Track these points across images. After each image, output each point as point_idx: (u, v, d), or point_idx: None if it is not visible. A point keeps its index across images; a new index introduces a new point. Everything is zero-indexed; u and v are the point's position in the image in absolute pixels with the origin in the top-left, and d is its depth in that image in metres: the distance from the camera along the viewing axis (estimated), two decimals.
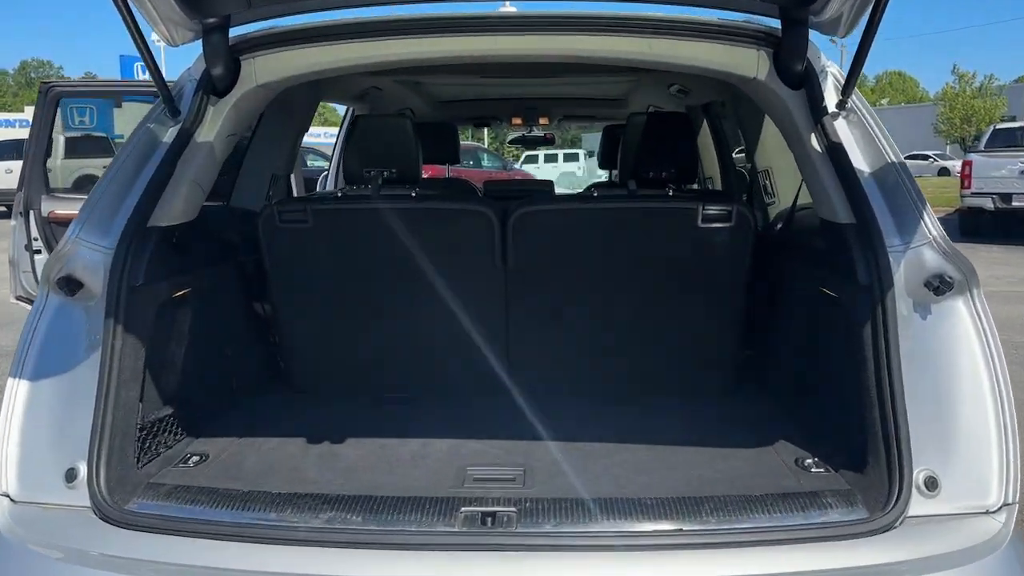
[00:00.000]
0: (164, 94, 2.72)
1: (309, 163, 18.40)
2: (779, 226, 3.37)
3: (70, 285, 2.41)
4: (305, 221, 2.95)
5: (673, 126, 3.58)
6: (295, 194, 4.76)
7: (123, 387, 2.40)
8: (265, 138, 4.00)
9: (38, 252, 4.87)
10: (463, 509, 2.24)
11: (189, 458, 2.60)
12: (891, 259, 2.37)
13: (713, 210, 2.89)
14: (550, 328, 3.12)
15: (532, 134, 6.58)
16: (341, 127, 5.75)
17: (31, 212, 4.77)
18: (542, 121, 6.09)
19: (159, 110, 2.80)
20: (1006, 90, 53.26)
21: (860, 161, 2.55)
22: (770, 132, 3.84)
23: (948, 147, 52.57)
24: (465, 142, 28.17)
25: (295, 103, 4.02)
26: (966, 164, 16.15)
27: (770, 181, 3.82)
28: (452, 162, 5.66)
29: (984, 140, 17.59)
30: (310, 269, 3.06)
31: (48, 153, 4.77)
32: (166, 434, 2.67)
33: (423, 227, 2.96)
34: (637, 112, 3.61)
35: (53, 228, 4.73)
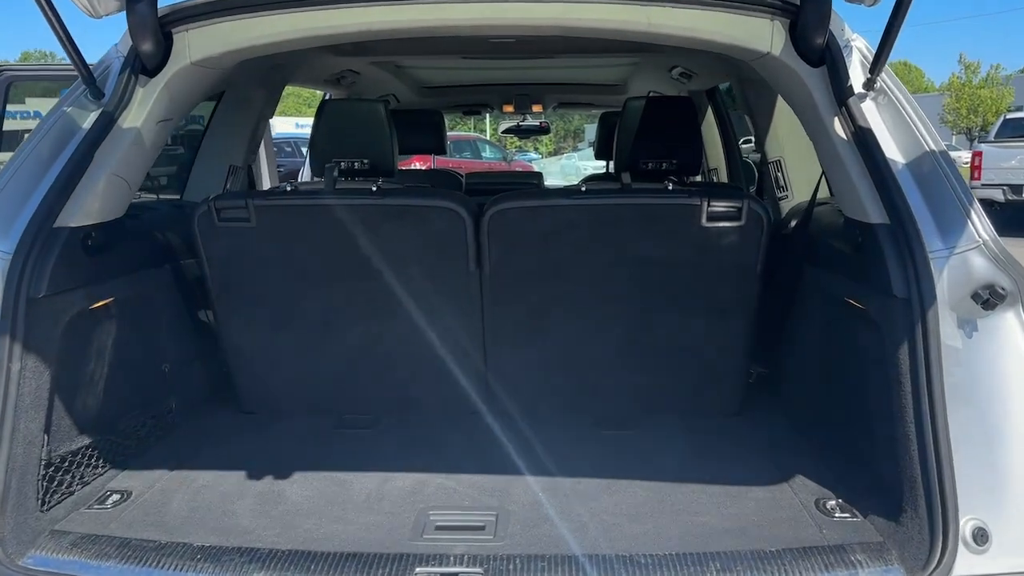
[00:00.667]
0: (83, 73, 2.35)
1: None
2: (793, 224, 2.98)
3: None
4: (247, 219, 2.57)
5: (674, 111, 3.19)
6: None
7: (22, 416, 2.03)
8: (222, 126, 3.61)
9: None
10: (418, 570, 1.87)
11: (107, 497, 2.24)
12: (932, 267, 1.99)
13: (720, 207, 2.50)
14: (531, 342, 2.74)
15: (526, 123, 6.19)
16: None
17: None
18: (535, 108, 5.69)
19: (79, 91, 2.43)
20: (1012, 80, 52.66)
21: (893, 150, 2.17)
22: (783, 118, 3.45)
23: (954, 138, 52.02)
24: (465, 132, 27.70)
25: (254, 86, 3.64)
26: (976, 155, 15.68)
27: (782, 173, 3.43)
28: (438, 152, 5.27)
29: (994, 130, 17.14)
30: (255, 275, 2.67)
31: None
32: (82, 468, 2.30)
33: (385, 226, 2.58)
34: (635, 96, 3.21)
35: None
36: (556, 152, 33.83)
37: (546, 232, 2.55)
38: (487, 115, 6.29)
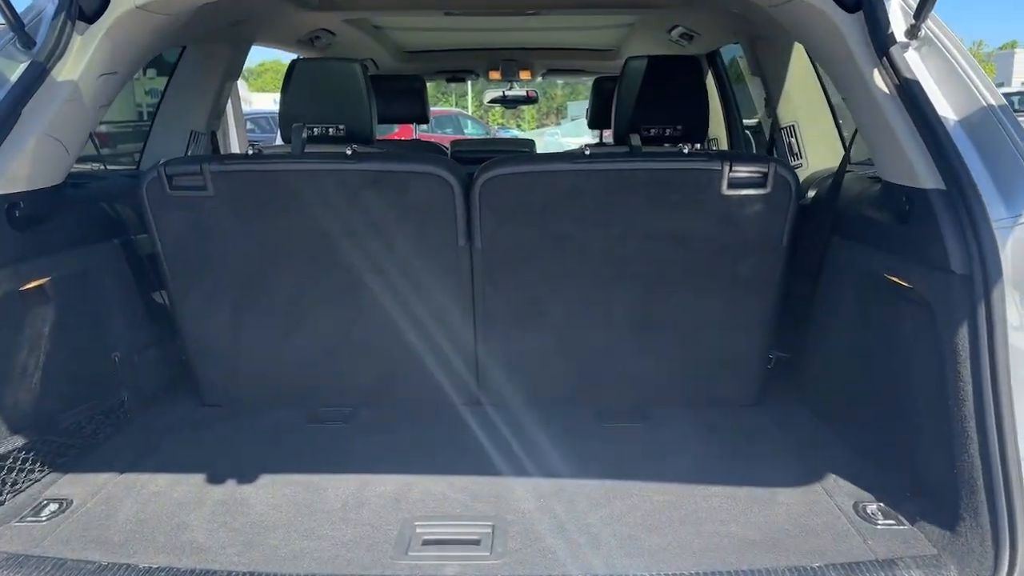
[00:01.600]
0: (9, 18, 2.02)
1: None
2: (812, 193, 2.71)
3: None
4: (203, 187, 2.25)
5: (680, 71, 2.89)
6: None
7: None
8: (182, 87, 3.27)
9: None
10: None
11: (43, 507, 1.94)
12: (997, 237, 1.72)
13: (743, 172, 2.21)
14: (528, 325, 2.45)
15: (512, 92, 5.86)
16: None
17: None
18: (523, 75, 5.36)
19: (6, 40, 2.11)
20: (994, 57, 52.69)
21: (944, 106, 1.89)
22: (797, 80, 3.16)
23: None
24: (447, 108, 27.16)
25: (218, 43, 3.30)
26: None
27: (796, 139, 3.15)
28: (420, 121, 4.93)
29: None
30: (214, 251, 2.36)
31: None
32: (13, 474, 2.00)
33: (362, 195, 2.27)
34: (636, 56, 2.92)
35: None
36: (539, 128, 33.34)
37: (546, 201, 2.25)
38: (470, 86, 5.92)
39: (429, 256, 2.34)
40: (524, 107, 6.07)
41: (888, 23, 1.96)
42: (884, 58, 1.95)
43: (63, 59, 2.07)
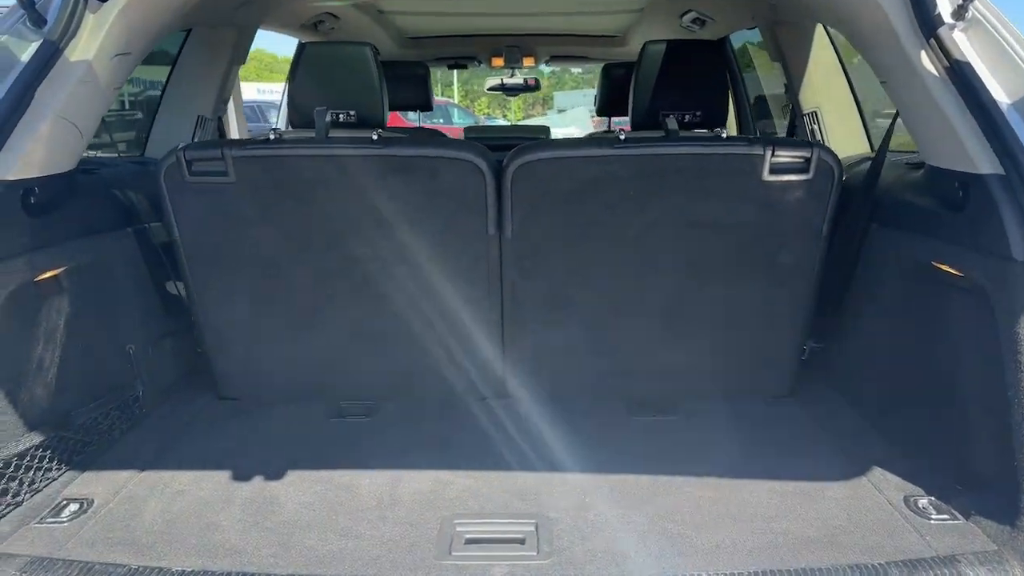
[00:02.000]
0: None
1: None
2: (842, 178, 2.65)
3: None
4: (224, 173, 2.16)
5: (700, 56, 2.82)
6: None
7: None
8: (188, 70, 3.17)
9: None
10: None
11: (63, 507, 1.85)
12: None
13: (785, 157, 2.14)
14: (558, 315, 2.37)
15: (513, 80, 5.76)
16: None
17: None
18: (527, 62, 5.26)
19: (16, 18, 2.01)
20: None
21: (996, 89, 1.84)
22: (819, 65, 3.10)
23: None
24: (435, 97, 26.89)
25: (223, 26, 3.20)
26: None
27: (819, 125, 3.08)
28: (424, 108, 4.83)
29: None
30: (234, 239, 2.27)
31: None
32: (31, 472, 1.91)
33: (388, 181, 2.18)
34: (655, 41, 2.84)
35: None
36: (526, 119, 33.16)
37: (580, 188, 2.18)
38: (456, 75, 5.78)
39: (457, 245, 2.26)
40: (511, 97, 5.93)
41: (934, 4, 1.90)
42: (932, 39, 1.89)
43: (76, 38, 1.97)
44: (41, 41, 1.92)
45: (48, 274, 1.95)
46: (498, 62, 5.14)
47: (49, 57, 1.90)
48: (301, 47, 2.94)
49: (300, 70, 2.73)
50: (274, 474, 2.01)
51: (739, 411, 2.37)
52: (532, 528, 1.77)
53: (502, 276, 2.30)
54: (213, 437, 2.25)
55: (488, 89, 5.91)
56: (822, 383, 2.52)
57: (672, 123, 2.26)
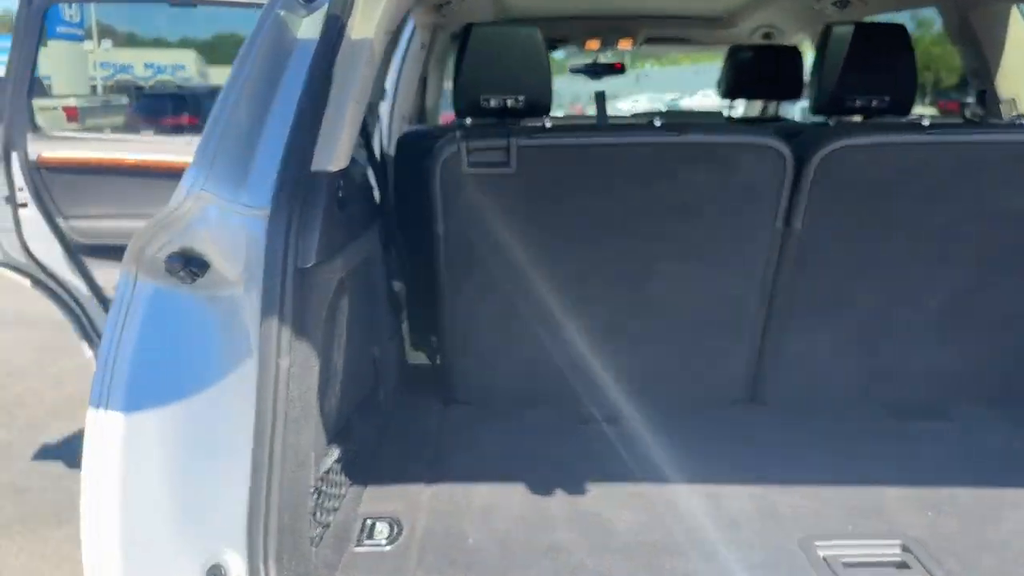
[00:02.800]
0: None
1: None
2: None
3: (190, 266, 1.48)
4: (505, 163, 2.03)
5: (889, 40, 2.73)
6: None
7: (292, 428, 1.50)
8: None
9: (23, 206, 3.79)
10: None
11: (372, 528, 1.72)
12: None
13: None
14: (830, 316, 2.25)
15: (599, 62, 5.62)
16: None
17: (12, 155, 3.69)
18: (623, 45, 5.11)
19: None
20: None
21: None
22: (1016, 48, 3.02)
23: None
24: None
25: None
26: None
27: (1019, 113, 3.00)
28: None
29: None
30: (499, 233, 2.14)
31: (33, 79, 3.67)
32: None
33: (680, 171, 2.06)
34: (840, 22, 2.74)
35: (43, 175, 3.67)
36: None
37: (885, 178, 2.07)
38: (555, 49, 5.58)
39: (736, 239, 2.15)
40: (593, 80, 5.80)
41: None
42: None
43: (353, 14, 1.82)
44: (326, 16, 1.76)
45: (343, 274, 1.82)
46: (593, 44, 4.99)
47: (336, 35, 1.75)
48: (467, 29, 2.80)
49: (467, 53, 2.59)
50: (574, 486, 1.88)
51: (1008, 416, 2.28)
52: (897, 550, 1.66)
53: (777, 274, 2.19)
54: (475, 446, 2.12)
55: (571, 70, 5.74)
56: None
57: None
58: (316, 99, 1.65)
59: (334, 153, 1.69)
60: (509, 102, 2.52)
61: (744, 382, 2.36)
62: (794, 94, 3.39)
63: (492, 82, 2.48)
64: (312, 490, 1.62)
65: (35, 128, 3.62)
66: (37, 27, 3.64)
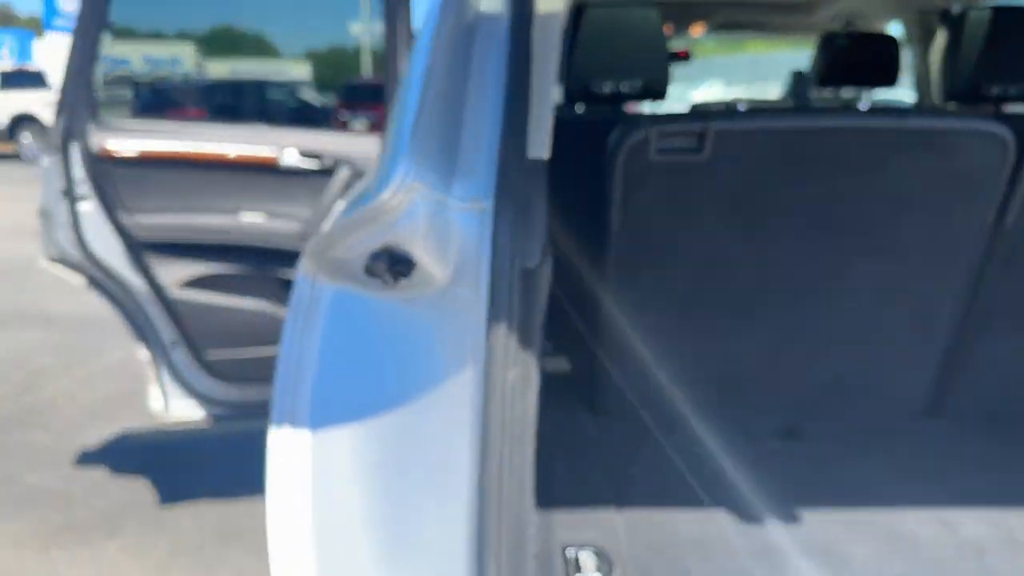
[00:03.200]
0: None
1: None
2: None
3: (397, 267, 1.29)
4: (698, 150, 1.84)
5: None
6: None
7: (516, 448, 1.27)
8: None
9: (81, 199, 3.58)
10: None
11: (576, 561, 1.53)
12: None
13: None
14: None
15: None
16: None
17: (72, 146, 3.48)
18: (695, 31, 4.91)
19: None
20: None
21: None
22: None
23: None
24: None
25: None
26: None
27: None
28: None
29: None
30: (681, 229, 1.95)
31: (92, 66, 3.45)
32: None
33: (892, 161, 1.88)
34: (977, 8, 2.57)
35: (108, 168, 3.46)
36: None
37: None
38: None
39: (947, 235, 1.96)
40: None
41: None
42: None
43: None
44: None
45: None
46: (668, 29, 4.79)
47: (527, 9, 1.55)
48: (578, 9, 2.62)
49: (581, 34, 2.42)
50: (773, 514, 1.70)
51: None
52: None
53: (980, 273, 2.01)
54: (651, 464, 1.94)
55: None
56: None
57: None
58: (523, 80, 1.46)
59: (545, 139, 1.50)
60: (623, 87, 2.35)
61: (932, 392, 2.18)
62: (889, 81, 3.25)
63: (606, 65, 2.31)
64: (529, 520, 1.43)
65: (97, 117, 3.41)
66: (103, 5, 3.42)
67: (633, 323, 2.13)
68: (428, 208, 1.24)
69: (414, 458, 1.20)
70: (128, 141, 3.36)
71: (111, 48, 3.41)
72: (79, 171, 3.42)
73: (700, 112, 2.23)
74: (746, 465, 1.98)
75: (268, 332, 3.60)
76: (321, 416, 1.22)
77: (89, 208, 3.42)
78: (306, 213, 3.46)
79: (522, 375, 1.27)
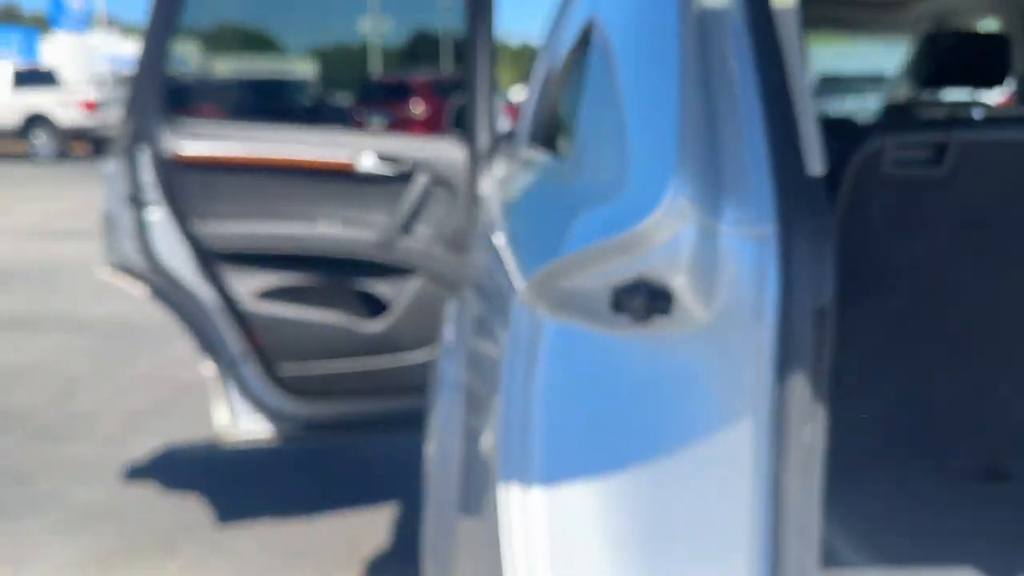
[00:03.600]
0: None
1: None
2: None
3: (654, 302, 1.12)
4: (936, 162, 1.66)
5: None
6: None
7: (807, 515, 1.12)
8: None
9: (149, 205, 3.39)
10: None
11: None
12: None
13: None
14: None
15: None
16: None
17: (140, 149, 3.29)
18: None
19: None
20: None
21: None
22: None
23: None
24: None
25: None
26: None
27: None
28: None
29: None
30: (907, 251, 1.76)
31: (164, 65, 3.27)
32: None
33: None
34: None
35: (180, 173, 3.29)
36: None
37: None
38: None
39: None
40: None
41: None
42: None
43: None
44: None
45: None
46: None
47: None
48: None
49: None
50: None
51: None
52: None
53: None
54: (873, 512, 1.74)
55: None
56: None
57: None
58: (780, 80, 1.27)
59: (817, 151, 1.31)
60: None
61: None
62: (996, 81, 3.09)
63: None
64: None
65: (170, 119, 3.23)
66: (178, 2, 3.23)
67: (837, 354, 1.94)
68: (697, 233, 1.06)
69: (673, 531, 1.02)
70: (203, 145, 3.19)
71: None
72: (147, 175, 3.24)
73: (934, 121, 2.04)
74: (962, 512, 1.81)
75: (341, 346, 3.42)
76: (557, 474, 1.05)
77: (158, 215, 3.24)
78: (383, 220, 3.30)
79: (816, 431, 1.09)
